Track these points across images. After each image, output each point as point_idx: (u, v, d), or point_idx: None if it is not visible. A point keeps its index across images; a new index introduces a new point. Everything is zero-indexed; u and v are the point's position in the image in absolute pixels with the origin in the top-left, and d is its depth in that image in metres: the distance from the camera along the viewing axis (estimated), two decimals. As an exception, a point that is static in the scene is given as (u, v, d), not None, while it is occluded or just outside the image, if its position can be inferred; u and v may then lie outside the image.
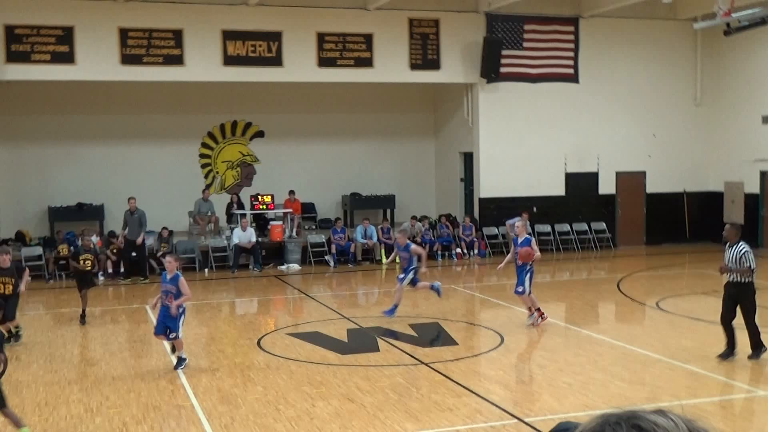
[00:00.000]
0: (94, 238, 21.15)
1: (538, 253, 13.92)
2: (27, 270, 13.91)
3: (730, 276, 11.13)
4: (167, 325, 11.32)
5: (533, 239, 14.16)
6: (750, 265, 10.92)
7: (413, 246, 15.34)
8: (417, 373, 11.04)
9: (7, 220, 22.62)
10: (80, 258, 15.24)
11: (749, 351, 11.22)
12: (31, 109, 23.42)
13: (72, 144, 24.04)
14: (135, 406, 9.66)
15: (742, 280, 11.01)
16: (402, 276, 15.05)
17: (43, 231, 23.12)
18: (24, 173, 23.52)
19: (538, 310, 13.91)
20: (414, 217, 24.02)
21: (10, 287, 12.68)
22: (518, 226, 14.29)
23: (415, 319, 14.71)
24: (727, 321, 11.18)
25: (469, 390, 10.16)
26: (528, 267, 13.74)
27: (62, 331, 14.54)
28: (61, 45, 20.58)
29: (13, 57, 20.30)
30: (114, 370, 11.49)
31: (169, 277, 11.33)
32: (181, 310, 11.33)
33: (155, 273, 21.02)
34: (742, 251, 10.98)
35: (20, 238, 22.24)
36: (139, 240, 20.30)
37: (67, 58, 20.66)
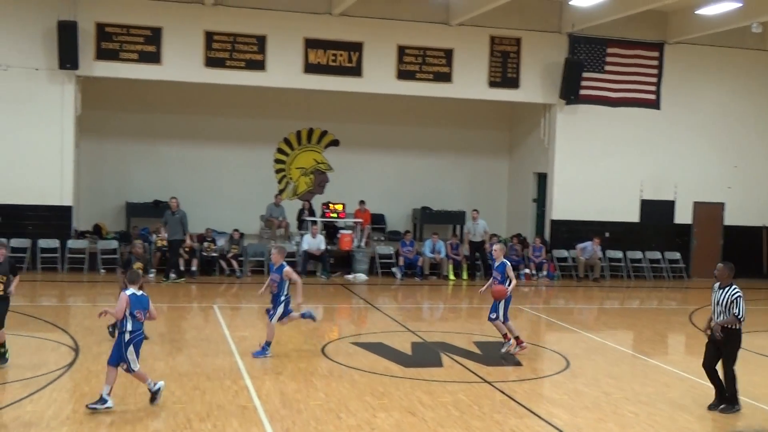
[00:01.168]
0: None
1: (514, 283, 13.02)
2: (18, 276, 11.38)
3: (717, 319, 10.50)
4: (117, 354, 9.41)
5: (508, 264, 13.19)
6: (737, 313, 10.40)
7: (287, 268, 12.24)
8: (480, 391, 10.94)
9: (87, 213, 23.18)
10: (133, 267, 13.36)
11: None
12: (116, 105, 24.00)
13: (152, 142, 24.57)
14: (199, 404, 9.78)
15: (730, 326, 10.53)
16: (271, 311, 12.33)
17: (120, 226, 23.66)
18: (106, 168, 24.08)
19: (517, 338, 13.24)
20: (476, 211, 23.19)
21: (1, 287, 10.92)
22: (496, 249, 13.44)
23: (479, 337, 14.60)
24: (709, 368, 10.67)
25: (532, 412, 10.04)
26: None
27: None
28: (148, 45, 21.12)
29: (102, 54, 20.92)
30: (180, 366, 11.65)
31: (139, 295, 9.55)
32: (137, 339, 9.41)
33: (225, 274, 21.35)
34: (735, 295, 10.48)
35: (97, 231, 22.81)
36: (188, 241, 20.57)
37: (154, 58, 21.20)
